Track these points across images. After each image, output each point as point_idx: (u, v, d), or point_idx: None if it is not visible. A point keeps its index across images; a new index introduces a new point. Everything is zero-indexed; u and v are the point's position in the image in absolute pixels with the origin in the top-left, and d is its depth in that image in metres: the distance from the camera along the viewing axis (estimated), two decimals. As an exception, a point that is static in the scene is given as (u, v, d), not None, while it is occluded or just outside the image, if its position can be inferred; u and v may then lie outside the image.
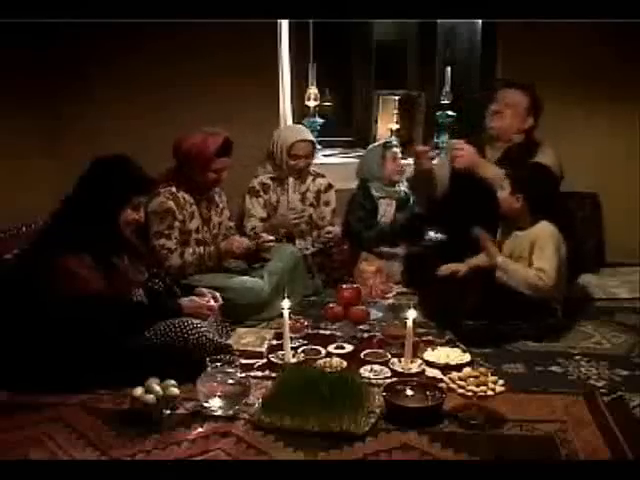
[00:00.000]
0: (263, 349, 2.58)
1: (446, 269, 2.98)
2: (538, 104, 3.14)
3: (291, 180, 3.49)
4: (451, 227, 3.31)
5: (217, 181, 3.04)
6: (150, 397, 2.05)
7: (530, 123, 3.12)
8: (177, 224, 2.95)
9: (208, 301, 2.58)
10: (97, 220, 2.33)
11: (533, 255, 2.74)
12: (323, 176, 3.63)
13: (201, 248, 3.00)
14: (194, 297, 2.51)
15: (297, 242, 3.45)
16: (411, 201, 3.78)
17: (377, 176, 3.71)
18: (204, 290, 2.64)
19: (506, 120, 3.11)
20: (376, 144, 3.84)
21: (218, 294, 2.65)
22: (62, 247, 2.26)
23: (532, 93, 3.14)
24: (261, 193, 3.46)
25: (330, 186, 3.62)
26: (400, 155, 3.77)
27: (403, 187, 3.78)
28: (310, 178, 3.57)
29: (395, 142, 3.96)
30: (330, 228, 3.49)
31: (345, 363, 2.47)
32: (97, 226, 2.32)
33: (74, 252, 2.26)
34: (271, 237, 3.20)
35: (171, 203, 2.94)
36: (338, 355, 2.56)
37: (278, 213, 3.46)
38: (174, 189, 2.97)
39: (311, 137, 3.52)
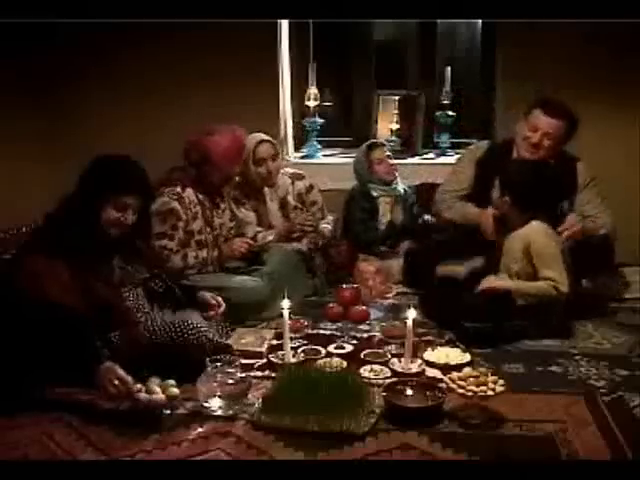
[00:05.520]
0: (263, 349, 2.58)
1: (444, 270, 2.96)
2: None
3: (266, 190, 3.40)
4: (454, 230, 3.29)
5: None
6: (150, 397, 2.05)
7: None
8: (181, 224, 2.95)
9: (212, 307, 2.59)
10: (78, 219, 2.30)
11: (535, 263, 2.72)
12: (302, 177, 3.54)
13: (204, 252, 2.99)
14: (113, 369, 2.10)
15: (294, 243, 3.43)
16: (410, 199, 3.78)
17: (368, 179, 3.69)
18: (207, 295, 2.64)
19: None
20: (361, 147, 3.76)
21: (220, 299, 2.64)
22: (39, 246, 2.25)
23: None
24: (244, 200, 3.39)
25: (311, 186, 3.54)
26: (387, 154, 3.74)
27: (401, 185, 3.78)
28: (288, 182, 3.49)
29: (381, 142, 3.92)
30: (321, 227, 3.47)
31: (345, 363, 2.47)
32: (78, 225, 2.29)
33: (48, 254, 2.21)
34: (270, 236, 3.22)
35: (175, 203, 2.93)
36: (338, 355, 2.56)
37: (270, 224, 3.40)
38: (179, 189, 2.96)
39: (269, 138, 3.40)
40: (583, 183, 3.12)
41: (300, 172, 3.59)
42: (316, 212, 3.54)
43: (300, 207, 3.51)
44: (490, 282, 2.74)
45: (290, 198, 3.48)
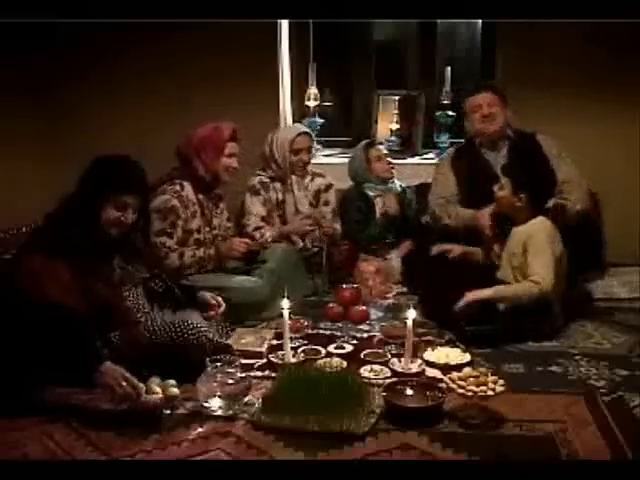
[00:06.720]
0: (263, 349, 2.58)
1: (438, 248, 3.02)
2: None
3: (294, 178, 3.48)
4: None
5: (229, 168, 3.05)
6: (150, 397, 2.05)
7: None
8: (180, 222, 2.95)
9: (212, 307, 2.59)
10: (78, 219, 2.29)
11: (528, 255, 2.72)
12: (323, 175, 3.62)
13: (201, 250, 2.99)
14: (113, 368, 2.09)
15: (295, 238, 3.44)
16: (408, 197, 3.78)
17: (366, 178, 3.69)
18: (207, 295, 2.64)
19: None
20: (358, 146, 3.78)
21: (220, 299, 2.64)
22: (39, 246, 2.24)
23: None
24: (261, 192, 3.45)
25: (330, 185, 3.61)
26: (385, 153, 3.74)
27: (398, 183, 3.78)
28: (309, 177, 3.56)
29: (379, 141, 3.93)
30: (330, 225, 3.48)
31: (345, 363, 2.47)
32: (78, 225, 2.28)
33: (48, 253, 2.20)
34: (268, 232, 3.25)
35: (175, 201, 2.94)
36: (338, 355, 2.56)
37: (288, 218, 3.44)
38: (178, 187, 2.98)
39: (309, 131, 3.53)
40: (556, 154, 3.12)
41: (321, 171, 3.64)
42: (327, 212, 3.58)
43: (314, 204, 3.54)
44: (469, 296, 2.67)
45: (308, 193, 3.55)
